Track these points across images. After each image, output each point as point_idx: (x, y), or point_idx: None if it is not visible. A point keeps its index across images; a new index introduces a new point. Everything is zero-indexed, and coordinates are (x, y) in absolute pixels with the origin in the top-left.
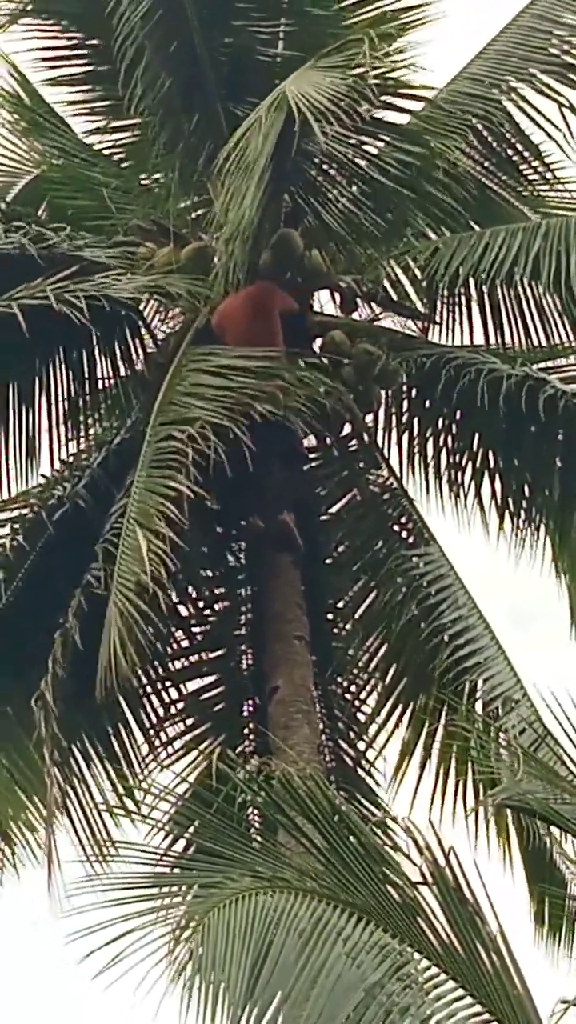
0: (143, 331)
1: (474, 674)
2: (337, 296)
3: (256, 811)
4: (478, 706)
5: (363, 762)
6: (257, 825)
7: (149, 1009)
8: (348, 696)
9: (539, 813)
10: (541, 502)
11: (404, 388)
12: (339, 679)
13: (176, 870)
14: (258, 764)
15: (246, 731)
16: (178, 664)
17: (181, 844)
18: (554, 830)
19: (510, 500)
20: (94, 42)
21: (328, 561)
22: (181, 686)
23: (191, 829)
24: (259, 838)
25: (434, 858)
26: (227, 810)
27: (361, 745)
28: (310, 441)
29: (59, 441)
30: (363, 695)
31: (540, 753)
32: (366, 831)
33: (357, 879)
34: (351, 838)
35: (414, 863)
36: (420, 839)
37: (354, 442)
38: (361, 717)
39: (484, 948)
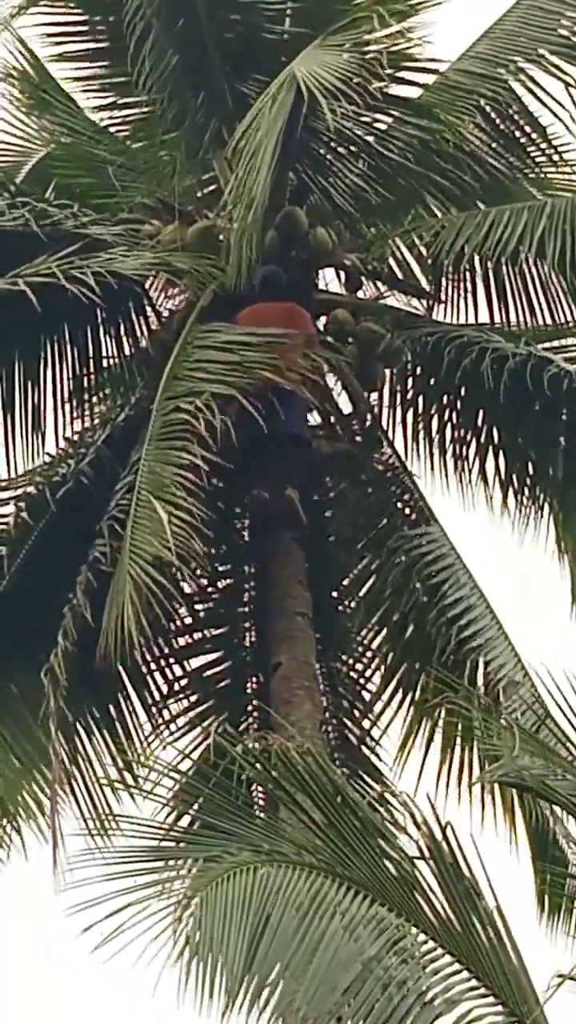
0: (148, 309)
1: (476, 654)
2: (342, 274)
3: (260, 788)
4: (480, 686)
5: (367, 740)
6: (262, 802)
7: (148, 983)
8: (353, 674)
9: (535, 789)
10: (544, 480)
11: (408, 366)
12: (343, 657)
13: (176, 844)
14: (256, 738)
15: (249, 708)
16: (181, 641)
17: (180, 819)
18: (557, 809)
19: (514, 477)
20: (102, 18)
21: (331, 539)
22: (184, 663)
23: (192, 804)
24: (257, 812)
25: (431, 833)
26: (226, 784)
27: (365, 723)
28: (314, 419)
29: (64, 419)
30: (367, 673)
31: (541, 733)
32: (364, 806)
33: (355, 853)
34: (349, 813)
35: (411, 837)
36: (417, 814)
37: (357, 421)
38: (365, 695)
39: (480, 923)
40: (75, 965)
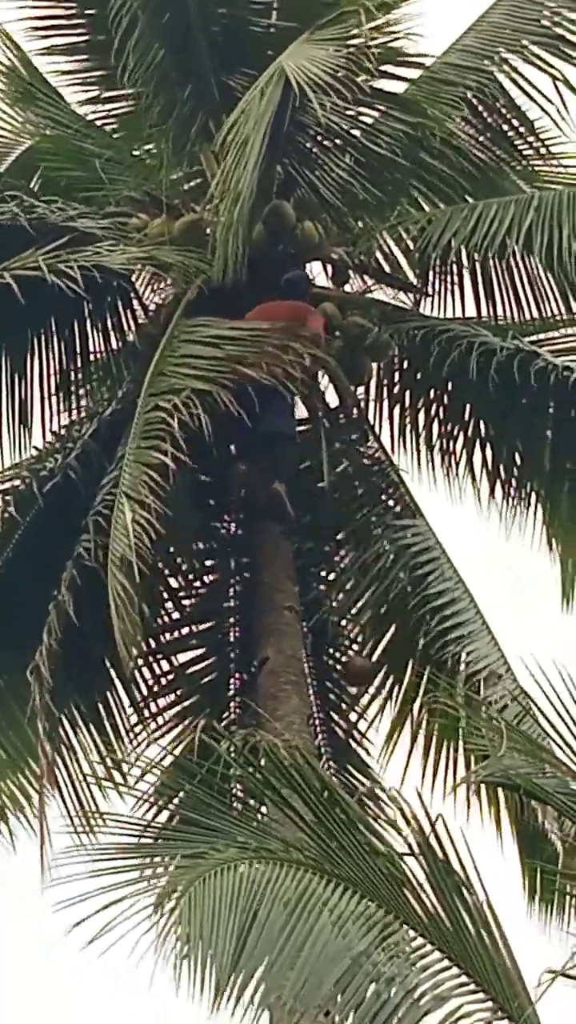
0: (135, 302)
1: (458, 646)
2: (329, 268)
3: (239, 783)
4: (462, 679)
5: (355, 734)
6: (240, 795)
7: (146, 981)
8: (340, 668)
9: (522, 787)
10: (532, 471)
11: (395, 360)
12: (331, 650)
13: (161, 840)
14: (243, 736)
15: (234, 703)
16: (168, 636)
17: (163, 815)
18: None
19: (501, 468)
20: (89, 11)
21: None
22: (171, 658)
23: (176, 801)
24: (243, 809)
25: (420, 829)
26: (212, 781)
27: (352, 717)
28: (301, 413)
29: (51, 413)
30: None
31: (524, 726)
32: (351, 802)
33: (343, 850)
34: (337, 809)
35: (400, 834)
36: (407, 810)
37: (344, 414)
38: (352, 689)
39: (470, 919)
40: (75, 965)
